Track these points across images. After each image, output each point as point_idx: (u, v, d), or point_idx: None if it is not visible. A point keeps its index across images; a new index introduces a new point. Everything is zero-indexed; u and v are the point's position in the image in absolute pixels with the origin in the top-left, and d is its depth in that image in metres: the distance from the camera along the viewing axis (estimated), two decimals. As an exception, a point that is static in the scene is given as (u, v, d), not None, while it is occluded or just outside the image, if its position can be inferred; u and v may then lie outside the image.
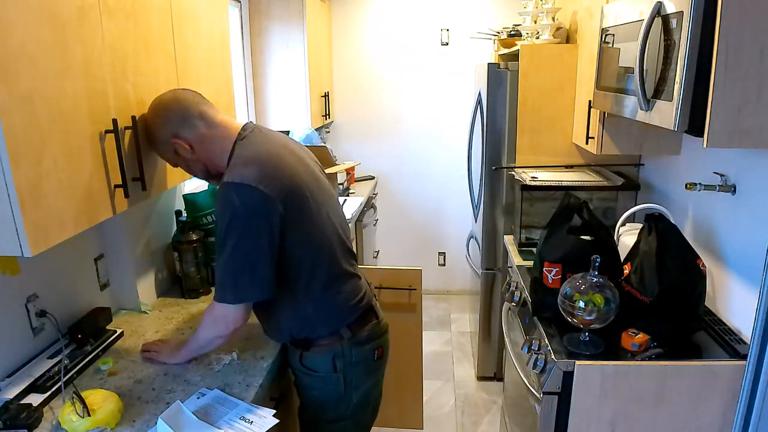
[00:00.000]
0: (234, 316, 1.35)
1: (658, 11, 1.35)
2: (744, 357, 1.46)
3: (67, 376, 1.38)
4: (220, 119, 1.40)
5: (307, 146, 2.46)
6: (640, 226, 1.79)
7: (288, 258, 1.35)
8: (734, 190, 1.63)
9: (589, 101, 2.04)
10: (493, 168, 2.75)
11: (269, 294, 1.34)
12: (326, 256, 1.42)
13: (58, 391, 1.33)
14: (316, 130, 3.36)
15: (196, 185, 2.37)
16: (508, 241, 2.59)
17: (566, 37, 2.55)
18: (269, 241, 1.29)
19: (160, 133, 1.35)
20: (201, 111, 1.37)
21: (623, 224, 2.05)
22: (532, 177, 2.32)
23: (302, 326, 1.44)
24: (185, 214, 1.95)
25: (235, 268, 1.29)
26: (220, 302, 1.33)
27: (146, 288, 1.85)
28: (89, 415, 1.19)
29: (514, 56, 2.60)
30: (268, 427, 1.24)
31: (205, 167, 1.41)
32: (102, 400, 1.24)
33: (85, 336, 1.51)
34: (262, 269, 1.30)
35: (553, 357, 1.51)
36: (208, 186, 2.02)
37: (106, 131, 1.21)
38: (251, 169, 1.28)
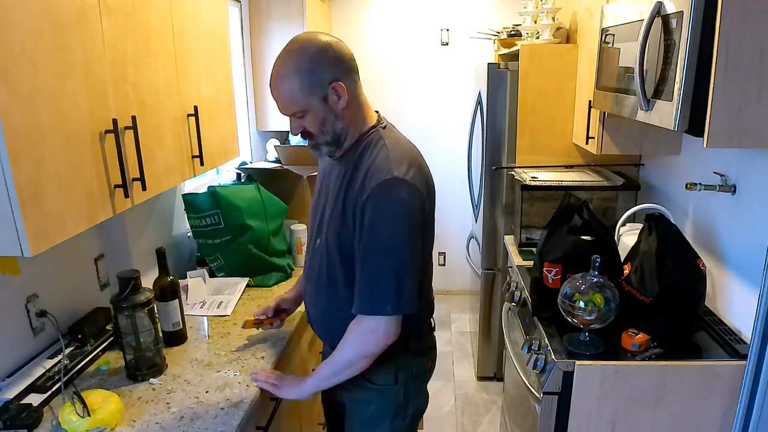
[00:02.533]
0: (388, 331, 1.20)
1: (658, 11, 1.35)
2: (744, 357, 1.46)
3: (67, 376, 1.38)
4: (365, 97, 1.30)
5: (306, 146, 2.46)
6: (640, 226, 1.79)
7: None
8: (734, 190, 1.63)
9: (589, 101, 2.04)
10: (493, 168, 2.75)
11: (419, 304, 1.24)
12: (428, 259, 1.35)
13: (58, 391, 1.34)
14: (316, 130, 3.35)
15: (195, 186, 2.37)
16: (508, 241, 2.59)
17: (566, 37, 2.55)
18: (422, 247, 1.23)
19: (320, 71, 1.17)
20: (357, 69, 1.25)
21: (623, 224, 2.05)
22: (532, 177, 2.32)
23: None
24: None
25: (400, 273, 1.17)
26: (374, 315, 1.19)
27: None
28: (89, 415, 1.19)
29: (514, 56, 2.60)
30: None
31: (343, 131, 1.24)
32: (102, 400, 1.24)
33: (85, 336, 1.51)
34: (417, 277, 1.22)
35: (553, 357, 1.51)
36: (207, 188, 2.02)
37: (106, 131, 1.21)
38: (414, 170, 1.20)
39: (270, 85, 1.21)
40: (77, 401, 1.20)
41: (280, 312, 1.61)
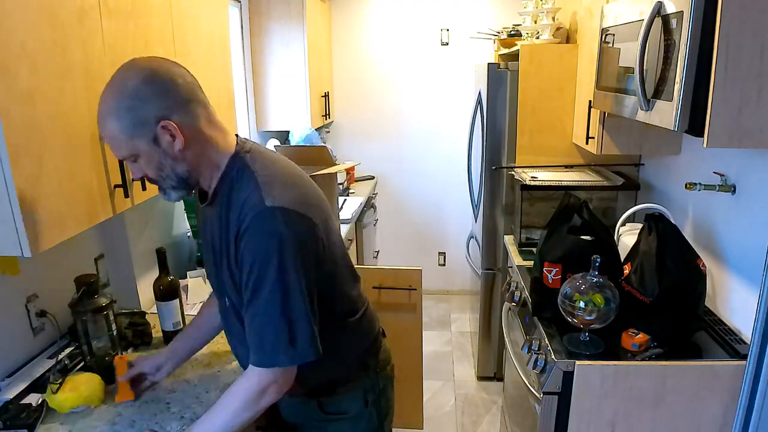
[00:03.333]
0: (286, 379, 1.08)
1: (658, 11, 1.34)
2: (744, 357, 1.46)
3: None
4: (218, 119, 1.11)
5: (306, 146, 2.45)
6: (640, 226, 1.79)
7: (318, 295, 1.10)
8: (734, 190, 1.63)
9: (589, 101, 2.04)
10: (493, 168, 2.75)
11: (320, 350, 1.07)
12: (343, 283, 1.23)
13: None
14: (316, 130, 3.36)
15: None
16: (508, 241, 2.58)
17: (566, 37, 2.55)
18: (315, 279, 1.07)
19: (142, 108, 0.97)
20: (204, 98, 1.07)
21: (623, 224, 2.05)
22: (532, 177, 2.32)
23: (330, 368, 1.21)
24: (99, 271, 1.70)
25: (291, 317, 1.02)
26: (268, 366, 1.05)
27: (146, 288, 1.85)
28: (61, 386, 1.25)
29: (514, 56, 2.60)
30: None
31: (189, 173, 1.06)
32: (86, 380, 1.29)
33: (85, 336, 1.51)
34: (316, 315, 1.07)
35: (553, 357, 1.51)
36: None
37: (106, 132, 1.21)
38: (292, 191, 1.07)
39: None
40: (59, 377, 1.26)
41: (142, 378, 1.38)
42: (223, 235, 1.09)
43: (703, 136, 1.23)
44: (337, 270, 1.20)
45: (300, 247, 1.02)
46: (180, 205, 2.12)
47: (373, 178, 3.99)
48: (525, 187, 2.33)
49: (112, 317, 1.42)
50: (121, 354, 1.47)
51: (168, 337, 1.59)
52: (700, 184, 1.69)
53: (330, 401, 1.27)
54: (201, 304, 1.86)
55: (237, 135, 1.16)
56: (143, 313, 1.68)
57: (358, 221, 3.16)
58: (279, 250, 1.00)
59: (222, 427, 1.08)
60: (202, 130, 1.05)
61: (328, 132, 4.02)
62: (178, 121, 1.01)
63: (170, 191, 1.08)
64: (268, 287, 1.01)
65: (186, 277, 1.96)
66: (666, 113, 1.31)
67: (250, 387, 1.07)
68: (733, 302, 1.65)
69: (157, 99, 0.98)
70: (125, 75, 0.99)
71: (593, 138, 2.08)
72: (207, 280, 1.98)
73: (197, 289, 1.93)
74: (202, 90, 1.08)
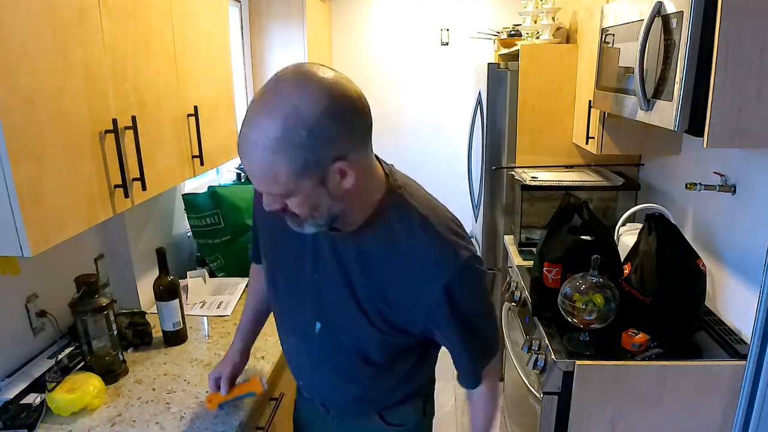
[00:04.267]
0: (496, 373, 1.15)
1: (658, 11, 1.34)
2: (744, 357, 1.46)
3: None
4: (373, 157, 0.93)
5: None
6: (640, 226, 1.79)
7: None
8: (734, 190, 1.63)
9: (589, 101, 2.04)
10: (493, 168, 2.75)
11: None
12: None
13: (58, 391, 1.34)
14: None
15: (195, 186, 2.37)
16: (508, 241, 2.58)
17: (566, 37, 2.55)
18: None
19: (322, 147, 0.79)
20: (370, 123, 0.87)
21: (623, 224, 2.05)
22: (532, 177, 2.32)
23: (415, 382, 1.20)
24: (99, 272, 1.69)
25: (493, 332, 1.09)
26: (492, 362, 1.11)
27: (146, 288, 1.85)
28: (58, 385, 1.26)
29: (514, 56, 2.60)
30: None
31: (343, 212, 0.89)
32: (85, 380, 1.29)
33: (85, 336, 1.51)
34: None
35: (553, 357, 1.51)
36: (207, 188, 2.02)
37: (106, 131, 1.21)
38: (466, 236, 1.01)
39: (238, 149, 0.82)
40: (59, 377, 1.27)
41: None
42: (365, 269, 0.97)
43: (703, 136, 1.23)
44: None
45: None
46: (180, 205, 2.12)
47: (373, 178, 3.99)
48: (525, 187, 2.33)
49: (112, 317, 1.42)
50: (122, 355, 1.47)
51: (167, 337, 1.59)
52: (700, 184, 1.69)
53: (392, 411, 1.19)
54: (201, 303, 1.86)
55: (378, 159, 0.97)
56: (143, 313, 1.68)
57: None
58: (483, 293, 1.03)
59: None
60: (371, 165, 0.90)
61: (328, 132, 4.02)
62: (356, 159, 0.83)
63: (308, 225, 0.89)
64: (479, 324, 1.04)
65: (186, 277, 1.96)
66: (666, 113, 1.31)
67: (491, 388, 1.14)
68: (733, 302, 1.65)
69: (341, 137, 0.80)
70: (299, 99, 0.76)
71: (593, 138, 2.08)
72: (206, 280, 1.99)
73: (197, 288, 1.93)
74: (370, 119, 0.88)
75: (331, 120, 0.77)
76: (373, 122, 0.86)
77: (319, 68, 0.81)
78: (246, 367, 1.36)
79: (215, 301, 1.89)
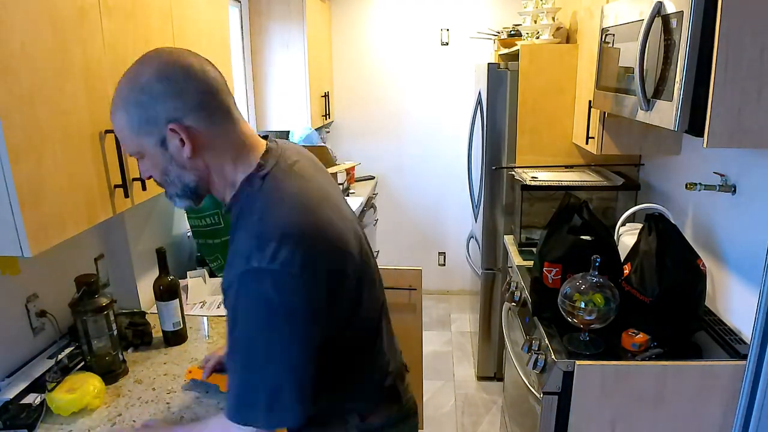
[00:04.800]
0: None
1: (658, 11, 1.34)
2: (744, 357, 1.46)
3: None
4: (246, 128, 0.99)
5: (306, 146, 2.45)
6: (640, 226, 1.79)
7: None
8: (734, 190, 1.63)
9: (589, 101, 2.04)
10: (493, 168, 2.75)
11: (309, 413, 0.93)
12: (366, 343, 1.10)
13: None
14: (316, 130, 3.36)
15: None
16: (508, 241, 2.58)
17: (566, 37, 2.55)
18: (313, 345, 0.92)
19: (153, 104, 0.89)
20: (228, 103, 0.95)
21: (623, 224, 2.05)
22: (532, 177, 2.32)
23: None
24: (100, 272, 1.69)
25: (274, 384, 0.90)
26: (242, 424, 0.92)
27: (146, 288, 1.85)
28: (59, 384, 1.26)
29: (514, 56, 2.60)
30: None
31: (197, 184, 0.96)
32: (85, 380, 1.29)
33: (85, 336, 1.51)
34: (309, 381, 0.92)
35: (553, 357, 1.51)
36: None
37: (106, 131, 1.21)
38: (294, 245, 0.87)
39: None
40: (58, 377, 1.28)
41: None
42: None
43: (703, 136, 1.23)
44: (350, 323, 1.02)
45: (289, 312, 0.88)
46: (180, 205, 2.12)
47: (373, 178, 3.99)
48: (525, 187, 2.33)
49: (112, 317, 1.42)
50: (122, 355, 1.47)
51: (167, 337, 1.59)
52: (700, 184, 1.69)
53: None
54: (201, 303, 1.87)
55: (273, 145, 1.01)
56: (143, 313, 1.68)
57: (358, 221, 3.16)
58: (265, 315, 0.87)
59: None
60: (218, 139, 0.94)
61: (328, 132, 4.02)
62: (191, 125, 0.90)
63: (175, 198, 1.00)
64: (247, 352, 0.91)
65: (186, 277, 1.96)
66: (666, 113, 1.31)
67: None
68: (733, 302, 1.65)
69: (169, 98, 0.89)
70: (141, 66, 0.91)
71: (593, 138, 2.08)
72: (206, 280, 1.99)
73: (197, 288, 1.94)
74: (230, 94, 0.97)
75: (159, 81, 0.89)
76: (221, 99, 0.94)
77: (175, 49, 0.95)
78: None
79: (215, 301, 1.89)
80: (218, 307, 1.84)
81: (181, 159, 0.93)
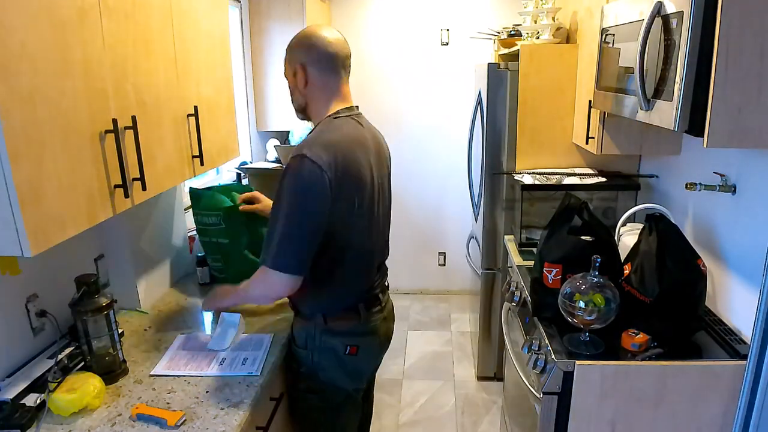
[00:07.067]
0: (273, 282, 1.37)
1: (658, 11, 1.35)
2: (744, 357, 1.46)
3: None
4: (338, 88, 1.49)
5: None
6: (640, 226, 1.79)
7: (328, 240, 1.39)
8: (734, 190, 1.63)
9: (589, 101, 2.04)
10: (493, 173, 2.74)
11: (303, 271, 1.37)
12: (360, 252, 1.49)
13: (58, 391, 1.34)
14: (316, 130, 3.35)
15: (202, 182, 2.37)
16: (508, 241, 2.58)
17: (566, 37, 2.55)
18: (318, 220, 1.34)
19: (296, 52, 1.46)
20: (339, 68, 1.47)
21: (623, 224, 2.05)
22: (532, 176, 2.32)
23: (302, 297, 1.50)
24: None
25: (284, 236, 1.32)
26: (262, 265, 1.37)
27: (146, 288, 1.85)
28: (60, 384, 1.26)
29: (514, 56, 2.60)
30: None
31: (305, 106, 1.52)
32: (86, 380, 1.29)
33: (85, 336, 1.51)
34: (309, 247, 1.35)
35: (553, 357, 1.51)
36: (212, 187, 2.01)
37: (106, 131, 1.21)
38: (328, 152, 1.34)
39: None
40: (59, 377, 1.28)
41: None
42: None
43: (703, 136, 1.23)
44: (349, 229, 1.43)
45: (308, 191, 1.32)
46: (180, 206, 2.12)
47: (373, 178, 3.98)
48: (525, 187, 2.33)
49: (112, 317, 1.42)
50: (122, 355, 1.47)
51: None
52: (700, 184, 1.69)
53: (294, 325, 1.59)
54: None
55: (354, 108, 1.52)
56: (144, 313, 1.68)
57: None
58: (294, 186, 1.32)
59: (244, 292, 1.50)
60: (322, 86, 1.46)
61: (328, 132, 4.02)
62: (309, 70, 1.45)
63: (297, 112, 1.56)
64: (278, 210, 1.35)
65: (186, 277, 1.95)
66: (666, 113, 1.31)
67: (257, 276, 1.42)
68: (733, 302, 1.65)
69: (305, 52, 1.45)
70: (303, 30, 1.48)
71: (593, 138, 2.08)
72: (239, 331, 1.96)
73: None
74: (347, 67, 1.50)
75: (305, 40, 1.46)
76: (342, 63, 1.47)
77: (319, 26, 1.49)
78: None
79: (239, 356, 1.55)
80: (242, 364, 1.52)
81: (299, 87, 1.48)
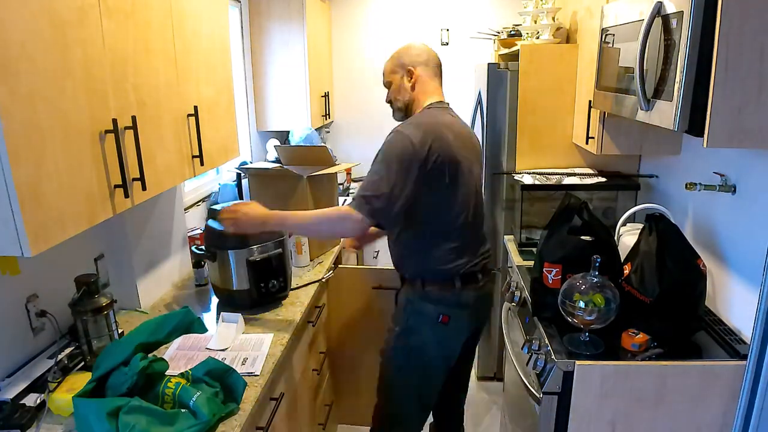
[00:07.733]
0: (353, 222, 1.54)
1: (658, 11, 1.34)
2: (744, 357, 1.46)
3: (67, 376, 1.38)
4: (436, 87, 1.77)
5: (306, 146, 2.44)
6: (640, 226, 1.79)
7: (422, 208, 1.61)
8: (734, 190, 1.63)
9: (589, 101, 2.04)
10: (493, 173, 2.74)
11: (390, 226, 1.71)
12: (459, 221, 1.68)
13: (58, 391, 1.34)
14: (316, 130, 3.36)
15: (203, 182, 2.36)
16: (508, 241, 2.58)
17: (566, 37, 2.55)
18: (412, 185, 1.54)
19: (407, 56, 1.73)
20: (438, 71, 1.78)
21: (623, 224, 2.05)
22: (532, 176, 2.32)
23: (405, 263, 1.75)
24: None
25: (373, 188, 1.53)
26: (352, 207, 1.54)
27: (146, 288, 1.85)
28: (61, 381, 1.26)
29: (514, 56, 2.60)
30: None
31: (406, 103, 1.75)
32: (84, 380, 1.27)
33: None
34: (395, 202, 1.54)
35: (553, 357, 1.51)
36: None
37: (106, 131, 1.21)
38: (420, 131, 1.57)
39: None
40: (59, 377, 1.27)
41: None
42: None
43: (703, 136, 1.23)
44: (463, 209, 1.67)
45: (401, 156, 1.54)
46: (180, 205, 2.12)
47: (373, 178, 3.98)
48: (525, 187, 2.33)
49: (112, 317, 1.42)
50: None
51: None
52: (700, 184, 1.69)
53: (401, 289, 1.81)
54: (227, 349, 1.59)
55: (444, 103, 1.75)
56: (143, 313, 1.68)
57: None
58: (388, 150, 1.56)
59: (300, 220, 1.63)
60: (424, 84, 1.73)
61: (328, 132, 4.02)
62: (420, 72, 1.72)
63: (396, 112, 1.79)
64: (373, 167, 1.59)
65: (185, 277, 1.95)
66: (666, 113, 1.31)
67: (339, 209, 1.63)
68: (733, 302, 1.65)
69: (413, 58, 1.73)
70: (402, 46, 1.78)
71: (593, 138, 2.08)
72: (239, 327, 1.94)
73: (226, 335, 1.64)
74: (440, 71, 1.79)
75: (410, 50, 1.75)
76: (435, 67, 1.78)
77: (422, 43, 1.81)
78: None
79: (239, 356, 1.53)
80: (242, 364, 1.48)
81: (405, 85, 1.74)
